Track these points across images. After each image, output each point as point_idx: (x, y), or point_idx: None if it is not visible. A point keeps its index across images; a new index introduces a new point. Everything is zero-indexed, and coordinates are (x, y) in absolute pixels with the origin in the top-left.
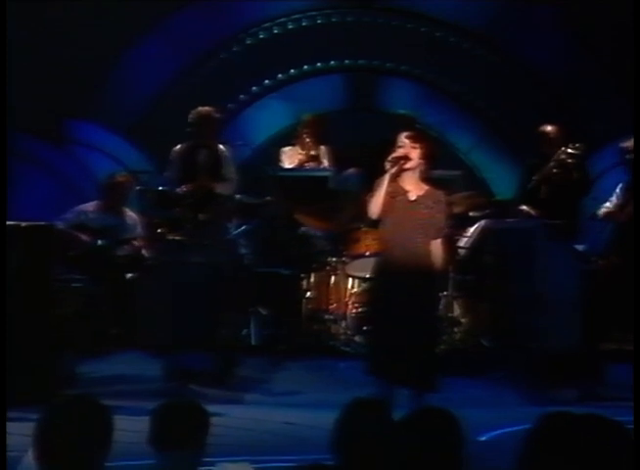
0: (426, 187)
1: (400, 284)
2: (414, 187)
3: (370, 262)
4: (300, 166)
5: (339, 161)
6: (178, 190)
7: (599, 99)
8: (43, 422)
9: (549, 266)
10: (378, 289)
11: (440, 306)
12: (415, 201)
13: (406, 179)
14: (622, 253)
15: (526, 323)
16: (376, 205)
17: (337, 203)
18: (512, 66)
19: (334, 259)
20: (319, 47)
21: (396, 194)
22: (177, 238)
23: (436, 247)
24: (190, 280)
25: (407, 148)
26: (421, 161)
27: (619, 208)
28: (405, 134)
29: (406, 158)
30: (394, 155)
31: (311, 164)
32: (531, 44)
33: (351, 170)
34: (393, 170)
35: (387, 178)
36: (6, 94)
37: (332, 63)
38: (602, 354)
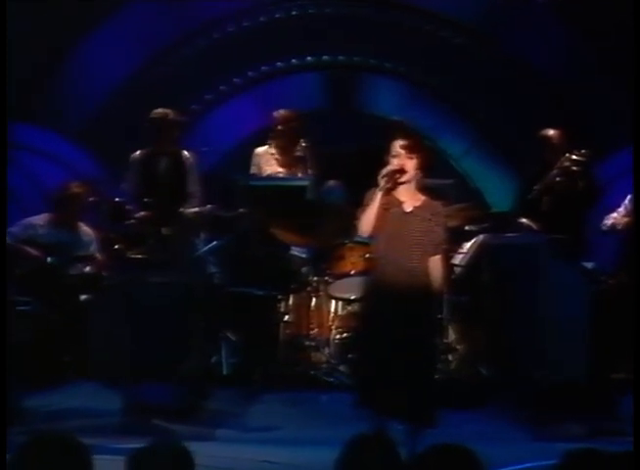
0: (422, 197)
1: (394, 306)
2: (410, 198)
3: (356, 282)
4: (285, 172)
5: (317, 168)
6: (138, 202)
7: (605, 100)
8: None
9: (554, 286)
10: (367, 312)
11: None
12: (411, 212)
13: (401, 190)
14: (634, 271)
15: (529, 350)
16: (367, 222)
17: (318, 215)
18: (508, 63)
19: (315, 279)
20: (294, 42)
21: (390, 205)
22: (138, 255)
23: (435, 264)
24: (152, 302)
25: (402, 159)
26: (418, 171)
27: (627, 219)
28: (400, 143)
29: (402, 171)
30: (389, 169)
31: (295, 169)
32: (530, 40)
33: (332, 183)
34: (389, 186)
35: (379, 194)
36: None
37: (308, 59)
38: (613, 385)
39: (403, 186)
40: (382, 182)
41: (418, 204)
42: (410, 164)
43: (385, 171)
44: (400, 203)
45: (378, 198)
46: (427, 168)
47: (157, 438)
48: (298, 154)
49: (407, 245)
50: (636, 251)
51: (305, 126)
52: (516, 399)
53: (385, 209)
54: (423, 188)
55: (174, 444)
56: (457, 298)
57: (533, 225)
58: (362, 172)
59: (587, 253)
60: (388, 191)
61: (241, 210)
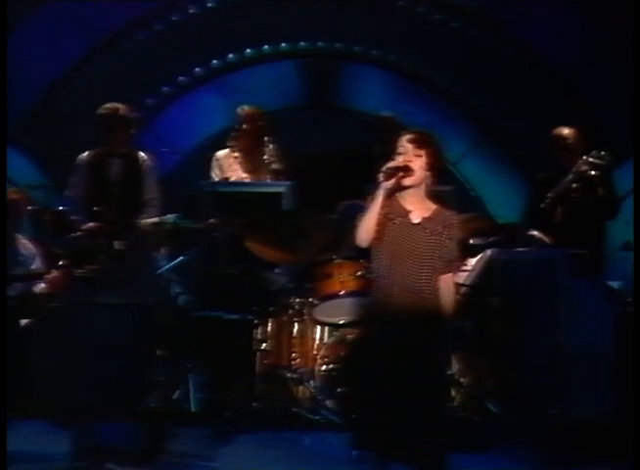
0: (433, 207)
1: (398, 333)
2: (418, 206)
3: (345, 304)
4: (251, 177)
5: (290, 173)
6: (86, 211)
7: (625, 95)
8: None
9: (572, 309)
10: (365, 339)
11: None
12: (419, 224)
13: (408, 196)
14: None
15: (545, 383)
16: (366, 229)
17: (300, 227)
18: (513, 52)
19: (297, 301)
20: (266, 25)
21: (395, 215)
22: (87, 273)
23: (446, 284)
24: (105, 328)
25: (409, 155)
26: (427, 172)
27: None
28: (407, 137)
29: (407, 169)
30: (392, 164)
31: (263, 175)
32: (538, 24)
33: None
34: (389, 185)
35: (380, 195)
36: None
37: (282, 46)
38: None
39: (410, 192)
40: (381, 179)
41: (428, 214)
42: (418, 163)
43: (386, 167)
44: (407, 212)
45: (379, 201)
46: (438, 170)
47: None
48: (266, 157)
49: (414, 262)
50: (636, 254)
51: (275, 125)
52: (529, 439)
53: (388, 219)
54: (433, 195)
55: None
56: (461, 322)
57: (547, 238)
58: (344, 177)
59: (611, 270)
60: (391, 195)
61: (208, 220)
